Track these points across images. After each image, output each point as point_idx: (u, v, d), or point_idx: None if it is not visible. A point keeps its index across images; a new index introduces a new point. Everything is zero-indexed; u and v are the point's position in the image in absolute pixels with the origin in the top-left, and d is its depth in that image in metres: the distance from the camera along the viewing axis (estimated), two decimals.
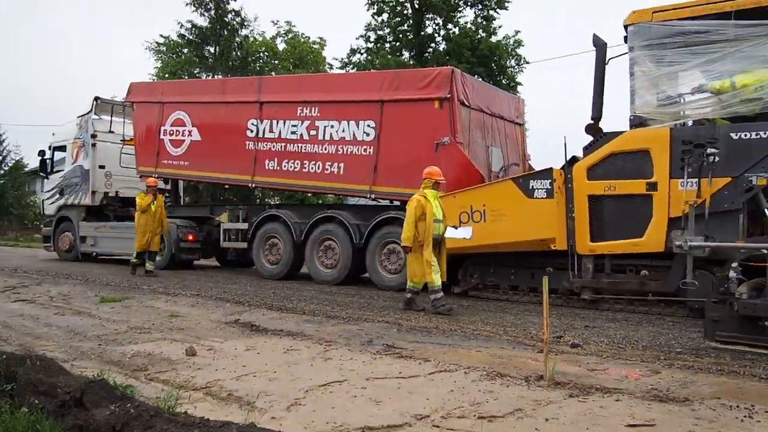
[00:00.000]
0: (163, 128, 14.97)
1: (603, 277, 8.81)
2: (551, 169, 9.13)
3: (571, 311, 9.03)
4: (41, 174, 18.47)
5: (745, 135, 7.71)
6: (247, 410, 4.31)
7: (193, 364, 5.70)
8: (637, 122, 8.49)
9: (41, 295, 10.05)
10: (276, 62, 34.46)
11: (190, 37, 30.11)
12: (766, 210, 7.48)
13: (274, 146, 12.95)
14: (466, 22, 27.83)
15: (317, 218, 12.23)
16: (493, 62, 26.07)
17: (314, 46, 36.46)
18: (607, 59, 9.09)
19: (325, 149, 12.14)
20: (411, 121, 11.17)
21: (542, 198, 9.04)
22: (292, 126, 12.64)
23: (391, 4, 27.95)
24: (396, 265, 11.24)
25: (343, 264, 11.81)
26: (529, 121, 29.44)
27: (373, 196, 11.87)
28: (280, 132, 12.84)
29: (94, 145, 16.47)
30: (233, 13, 30.20)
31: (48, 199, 17.88)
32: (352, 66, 28.31)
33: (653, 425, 4.06)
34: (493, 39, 26.85)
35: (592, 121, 9.09)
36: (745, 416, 4.26)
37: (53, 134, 18.16)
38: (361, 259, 11.63)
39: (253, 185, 14.12)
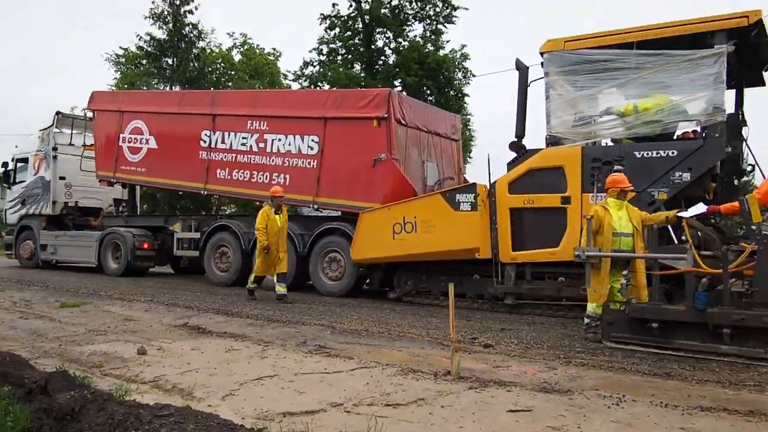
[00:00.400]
0: (122, 135, 15.58)
1: (524, 283, 9.65)
2: (475, 184, 9.99)
3: (494, 315, 9.88)
4: (4, 185, 18.84)
5: (648, 153, 8.59)
6: (187, 399, 4.96)
7: (143, 362, 6.28)
8: (552, 141, 9.31)
9: (5, 300, 10.48)
10: (232, 73, 35.00)
11: (149, 49, 30.60)
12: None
13: (225, 156, 13.65)
14: (415, 36, 28.80)
15: None
16: (441, 75, 26.94)
17: (269, 58, 37.07)
18: (529, 81, 9.92)
19: (273, 161, 12.87)
20: (351, 138, 11.91)
21: (467, 210, 9.87)
22: (243, 138, 13.35)
23: (342, 18, 28.71)
24: (336, 273, 11.95)
25: (289, 270, 12.40)
26: (476, 131, 30.57)
27: (316, 207, 12.56)
28: (231, 143, 13.55)
29: (55, 157, 16.99)
30: (191, 26, 30.73)
31: (10, 209, 18.29)
32: (305, 78, 29.01)
33: (530, 411, 4.80)
34: (441, 53, 27.77)
35: (515, 139, 9.91)
36: (613, 404, 4.99)
37: (16, 146, 18.66)
38: (305, 267, 12.29)
39: (205, 192, 14.73)
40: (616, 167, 8.53)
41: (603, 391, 5.34)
